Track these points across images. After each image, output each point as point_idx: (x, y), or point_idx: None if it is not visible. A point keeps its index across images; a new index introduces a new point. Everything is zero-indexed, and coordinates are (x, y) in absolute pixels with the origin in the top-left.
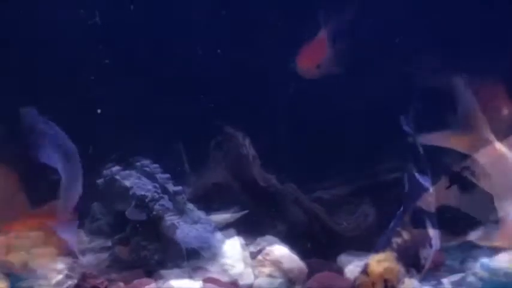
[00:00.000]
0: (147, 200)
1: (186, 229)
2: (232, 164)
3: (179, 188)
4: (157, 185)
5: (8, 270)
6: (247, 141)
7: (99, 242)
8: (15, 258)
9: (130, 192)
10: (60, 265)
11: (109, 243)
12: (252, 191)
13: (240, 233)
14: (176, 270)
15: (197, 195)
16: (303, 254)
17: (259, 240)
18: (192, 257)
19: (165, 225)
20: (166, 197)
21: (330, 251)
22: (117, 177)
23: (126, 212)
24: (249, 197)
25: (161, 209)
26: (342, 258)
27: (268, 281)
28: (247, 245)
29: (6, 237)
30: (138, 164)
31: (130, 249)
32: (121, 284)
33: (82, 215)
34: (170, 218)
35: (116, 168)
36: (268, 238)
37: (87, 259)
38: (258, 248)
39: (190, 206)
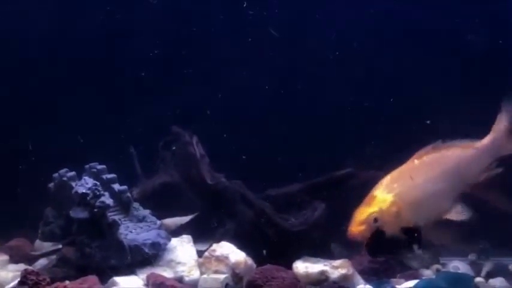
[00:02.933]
0: (88, 198)
1: (130, 227)
2: (180, 163)
3: (124, 187)
4: (98, 183)
5: None
6: (194, 140)
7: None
8: None
9: (73, 191)
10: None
11: (60, 246)
12: (200, 189)
13: (187, 230)
14: (120, 267)
15: (145, 194)
16: (251, 250)
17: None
18: (136, 254)
19: (106, 222)
20: (107, 194)
21: (278, 247)
22: (65, 179)
23: (70, 211)
24: (198, 195)
25: (102, 205)
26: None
27: (215, 276)
28: (194, 242)
29: None
30: (86, 166)
31: (75, 248)
32: (66, 281)
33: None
34: (112, 216)
35: (63, 170)
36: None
37: (39, 262)
38: (206, 245)
39: (135, 204)
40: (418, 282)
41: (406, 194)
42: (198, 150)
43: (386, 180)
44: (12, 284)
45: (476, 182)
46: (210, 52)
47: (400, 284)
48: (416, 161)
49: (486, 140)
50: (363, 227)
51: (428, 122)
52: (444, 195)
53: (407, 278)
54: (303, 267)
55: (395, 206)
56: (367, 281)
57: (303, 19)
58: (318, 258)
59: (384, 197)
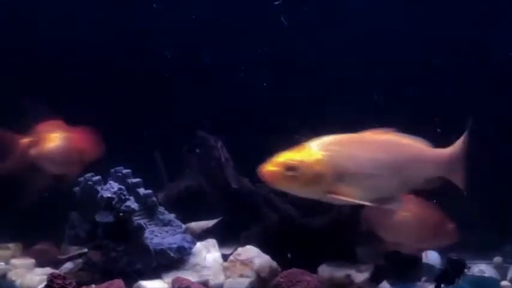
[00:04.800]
0: (113, 202)
1: (155, 231)
2: (205, 166)
3: (149, 191)
4: (123, 188)
5: None
6: (219, 144)
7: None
8: None
9: (98, 196)
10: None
11: (86, 250)
12: (225, 193)
13: (212, 234)
14: (145, 271)
15: (171, 198)
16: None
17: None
18: (161, 258)
19: (132, 226)
20: (132, 198)
21: (303, 250)
22: (90, 183)
23: (96, 215)
24: (222, 199)
25: (127, 210)
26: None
27: (239, 280)
28: (219, 246)
29: None
30: (112, 170)
31: (101, 252)
32: (92, 285)
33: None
34: (137, 220)
35: (89, 174)
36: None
37: (66, 266)
38: (231, 249)
39: (161, 208)
40: (443, 286)
41: (338, 160)
42: (222, 154)
43: (329, 138)
44: (39, 287)
45: (416, 187)
46: None
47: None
48: (370, 136)
49: (448, 151)
50: (275, 169)
51: None
52: (384, 182)
53: (433, 282)
54: (327, 270)
55: (320, 166)
56: (392, 284)
57: None
58: (343, 262)
59: (314, 152)
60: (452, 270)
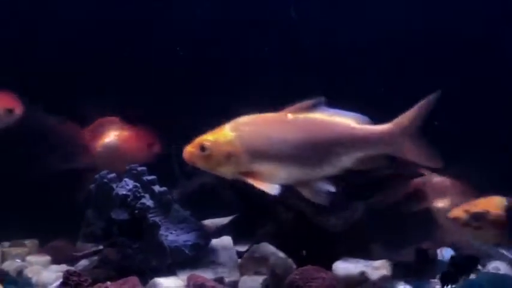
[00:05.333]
0: (128, 200)
1: (171, 228)
2: None
3: (164, 188)
4: (138, 185)
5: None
6: None
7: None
8: (10, 266)
9: (114, 193)
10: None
11: (101, 247)
12: (240, 190)
13: (227, 231)
14: (160, 268)
15: (186, 196)
16: (291, 251)
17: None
18: (176, 255)
19: (147, 224)
20: (147, 196)
21: (318, 247)
22: (105, 180)
23: (111, 213)
24: (238, 196)
25: (142, 207)
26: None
27: (254, 277)
28: (234, 243)
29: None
30: (127, 167)
31: (117, 249)
32: (108, 282)
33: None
34: (152, 217)
35: (104, 172)
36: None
37: (81, 264)
38: (246, 246)
39: (176, 206)
40: (458, 283)
41: (249, 141)
42: None
43: (246, 118)
44: (54, 285)
45: (355, 167)
46: None
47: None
48: (289, 115)
49: (383, 127)
50: (192, 150)
51: None
52: (305, 163)
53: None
54: (342, 268)
55: (230, 147)
56: (407, 282)
57: None
58: (358, 259)
59: (228, 132)
60: (459, 267)
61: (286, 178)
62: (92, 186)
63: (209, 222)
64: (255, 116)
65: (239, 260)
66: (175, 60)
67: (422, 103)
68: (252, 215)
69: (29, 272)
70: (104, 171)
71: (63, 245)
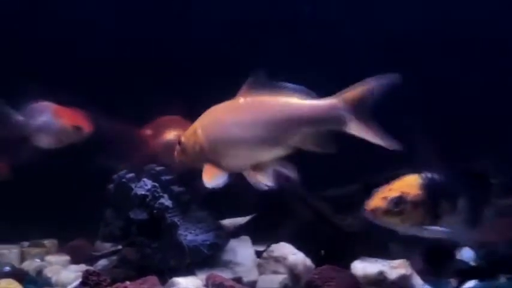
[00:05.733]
0: (147, 200)
1: (189, 227)
2: None
3: (183, 188)
4: (157, 185)
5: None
6: None
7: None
8: (30, 266)
9: (132, 193)
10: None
11: (120, 247)
12: (258, 189)
13: (245, 231)
14: (179, 268)
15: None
16: (309, 250)
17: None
18: (195, 255)
19: (166, 223)
20: (166, 196)
21: (336, 247)
22: (124, 180)
23: (130, 213)
24: (256, 196)
25: (161, 207)
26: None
27: (273, 277)
28: (252, 243)
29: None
30: (146, 167)
31: (135, 249)
32: (127, 282)
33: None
34: (171, 217)
35: (123, 172)
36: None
37: (100, 263)
38: (264, 246)
39: (194, 205)
40: (477, 283)
41: (210, 130)
42: None
43: (209, 109)
44: (74, 284)
45: (292, 146)
46: None
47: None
48: (241, 99)
49: (324, 102)
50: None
51: None
52: (254, 145)
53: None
54: (361, 267)
55: (195, 137)
56: (426, 281)
57: None
58: (376, 259)
59: (195, 125)
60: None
61: (245, 161)
62: (111, 186)
63: (227, 221)
64: (216, 105)
65: (257, 260)
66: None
67: (370, 81)
68: (271, 214)
69: (48, 272)
70: (123, 171)
71: (82, 244)
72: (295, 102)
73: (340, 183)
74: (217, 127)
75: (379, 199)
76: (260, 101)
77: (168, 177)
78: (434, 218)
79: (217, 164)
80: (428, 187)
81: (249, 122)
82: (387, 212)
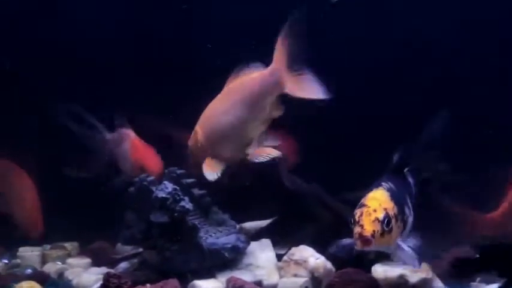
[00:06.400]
0: (168, 202)
1: (210, 230)
2: (258, 166)
3: (204, 191)
4: (177, 188)
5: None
6: None
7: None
8: (51, 269)
9: (153, 196)
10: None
11: (141, 249)
12: (278, 192)
13: (266, 234)
14: (200, 270)
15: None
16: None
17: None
18: (216, 258)
19: (186, 226)
20: (187, 198)
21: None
22: (145, 183)
23: (151, 215)
24: (276, 199)
25: (181, 210)
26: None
27: (293, 280)
28: (273, 246)
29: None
30: (166, 170)
31: (156, 251)
32: (147, 284)
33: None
34: (192, 220)
35: (143, 175)
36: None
37: (121, 266)
38: (285, 249)
39: (215, 208)
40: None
41: (206, 126)
42: None
43: (204, 110)
44: (95, 287)
45: (269, 117)
46: None
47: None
48: (225, 89)
49: (267, 69)
50: None
51: None
52: (241, 125)
53: (488, 282)
54: (381, 270)
55: (195, 137)
56: (447, 284)
57: None
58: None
59: (196, 127)
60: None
61: (238, 144)
62: (132, 189)
63: (248, 224)
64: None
65: (278, 263)
66: None
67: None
68: (291, 217)
69: (69, 274)
70: (144, 175)
71: (104, 247)
72: (261, 72)
73: (359, 187)
74: (209, 122)
75: (370, 223)
76: (233, 88)
77: (188, 180)
78: (404, 227)
79: (216, 156)
80: (394, 198)
81: (231, 110)
82: (382, 233)
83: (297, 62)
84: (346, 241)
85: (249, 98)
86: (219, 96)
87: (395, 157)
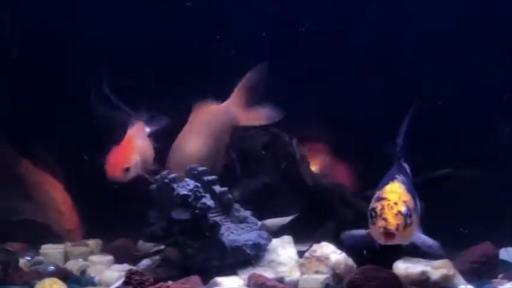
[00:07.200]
0: (189, 200)
1: (231, 228)
2: (280, 163)
3: (225, 188)
4: (199, 185)
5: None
6: (294, 141)
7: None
8: (74, 266)
9: (175, 193)
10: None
11: (162, 247)
12: (300, 190)
13: (288, 231)
14: (221, 267)
15: (246, 195)
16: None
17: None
18: (237, 255)
19: (208, 223)
20: (208, 195)
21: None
22: (166, 181)
23: (172, 213)
24: (297, 196)
25: (203, 207)
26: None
27: (315, 277)
28: (294, 243)
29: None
30: (187, 168)
31: (178, 249)
32: (169, 282)
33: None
34: (213, 217)
35: (165, 172)
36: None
37: (143, 263)
38: (306, 246)
39: (236, 206)
40: None
41: (176, 154)
42: (297, 151)
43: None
44: (117, 284)
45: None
46: None
47: (502, 285)
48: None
49: (224, 103)
50: None
51: None
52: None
53: (511, 279)
54: (403, 267)
55: (169, 163)
56: (469, 281)
57: None
58: (419, 259)
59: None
60: None
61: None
62: (153, 186)
63: (270, 221)
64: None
65: (300, 260)
66: None
67: (247, 76)
68: (313, 214)
69: (91, 272)
70: (165, 172)
71: (126, 244)
72: (220, 105)
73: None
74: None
75: (393, 216)
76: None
77: (210, 178)
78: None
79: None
80: (408, 190)
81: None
82: (404, 226)
83: (253, 101)
84: (356, 232)
85: (209, 130)
86: (186, 127)
87: (397, 149)
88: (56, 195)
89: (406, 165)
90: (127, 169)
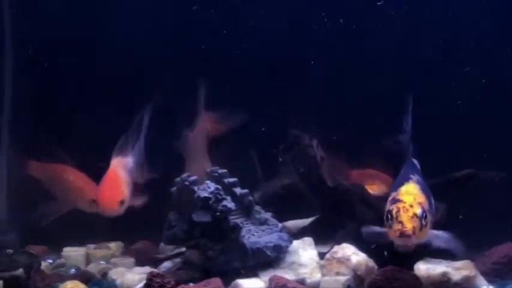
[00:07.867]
0: (210, 202)
1: (252, 230)
2: (300, 165)
3: (246, 190)
4: (219, 187)
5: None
6: (314, 143)
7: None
8: (95, 268)
9: (195, 196)
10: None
11: (183, 249)
12: (320, 191)
13: (308, 232)
14: (243, 269)
15: (267, 197)
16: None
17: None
18: (258, 257)
19: (229, 226)
20: (229, 198)
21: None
22: (187, 183)
23: (193, 215)
24: (318, 198)
25: (224, 209)
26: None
27: (336, 278)
28: (315, 244)
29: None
30: (208, 170)
31: (199, 251)
32: (190, 284)
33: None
34: (234, 219)
35: (185, 175)
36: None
37: (164, 265)
38: (327, 247)
39: (257, 208)
40: None
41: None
42: (318, 152)
43: None
44: (138, 286)
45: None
46: None
47: None
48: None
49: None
50: None
51: None
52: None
53: None
54: (424, 268)
55: None
56: (490, 282)
57: None
58: (440, 260)
59: None
60: None
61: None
62: (174, 189)
63: (290, 223)
64: None
65: (321, 261)
66: None
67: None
68: (333, 216)
69: (113, 274)
70: (185, 174)
71: (147, 247)
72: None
73: None
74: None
75: (409, 219)
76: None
77: (230, 180)
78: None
79: None
80: (423, 190)
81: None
82: (420, 228)
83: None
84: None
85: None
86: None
87: (407, 148)
88: (69, 176)
89: (415, 162)
90: (122, 202)
